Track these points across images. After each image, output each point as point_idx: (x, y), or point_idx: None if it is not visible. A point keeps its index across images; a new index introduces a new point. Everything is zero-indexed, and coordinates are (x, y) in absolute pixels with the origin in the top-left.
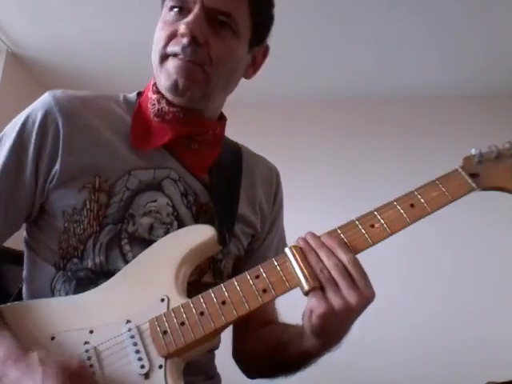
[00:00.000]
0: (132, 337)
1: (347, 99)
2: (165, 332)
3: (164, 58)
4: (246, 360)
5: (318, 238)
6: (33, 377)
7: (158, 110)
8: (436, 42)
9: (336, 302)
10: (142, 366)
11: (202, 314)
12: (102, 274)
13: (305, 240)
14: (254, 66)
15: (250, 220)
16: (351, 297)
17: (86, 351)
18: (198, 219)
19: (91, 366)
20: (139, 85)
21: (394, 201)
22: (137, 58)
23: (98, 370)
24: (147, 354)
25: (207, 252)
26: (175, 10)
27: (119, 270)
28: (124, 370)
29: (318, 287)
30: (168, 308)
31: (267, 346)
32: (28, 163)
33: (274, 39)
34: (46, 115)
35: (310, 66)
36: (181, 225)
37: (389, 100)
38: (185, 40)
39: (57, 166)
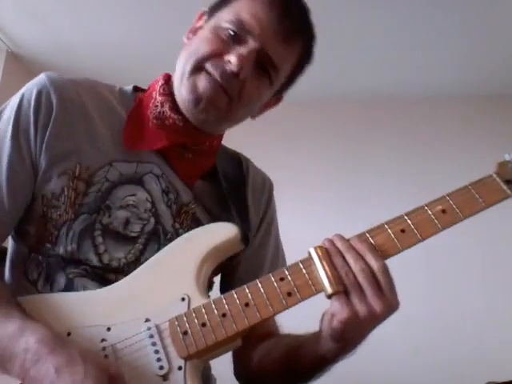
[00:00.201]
0: (151, 336)
1: (346, 99)
2: (185, 333)
3: (198, 69)
4: (251, 377)
5: (347, 240)
6: (73, 370)
7: (160, 112)
8: (435, 42)
9: (360, 308)
10: (161, 367)
11: (224, 315)
12: (72, 262)
13: (331, 241)
14: (262, 109)
15: None
16: (376, 304)
17: (103, 349)
18: (176, 219)
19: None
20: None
21: (425, 205)
22: (137, 59)
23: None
24: (166, 354)
25: (230, 250)
26: (232, 33)
27: (89, 260)
28: (142, 370)
29: (342, 291)
30: (189, 308)
31: (276, 358)
32: (31, 145)
33: None
34: (40, 93)
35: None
36: (158, 222)
37: (388, 100)
38: (228, 68)
39: (43, 146)
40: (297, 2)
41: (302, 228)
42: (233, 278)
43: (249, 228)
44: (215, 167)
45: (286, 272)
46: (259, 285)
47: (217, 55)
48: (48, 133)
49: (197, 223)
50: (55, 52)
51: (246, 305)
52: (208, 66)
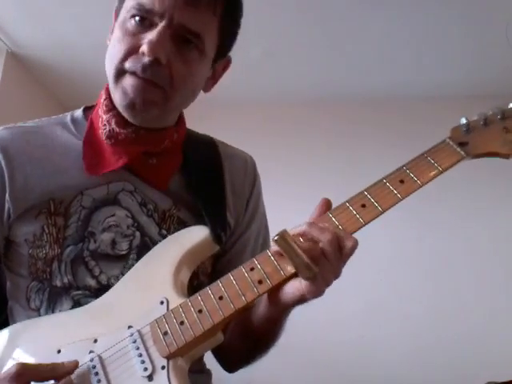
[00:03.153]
0: (134, 341)
1: (346, 99)
2: (165, 333)
3: (121, 73)
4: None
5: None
6: None
7: (110, 131)
8: (435, 42)
9: (330, 279)
10: (145, 369)
11: (200, 311)
12: (73, 289)
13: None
14: (213, 80)
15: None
16: (339, 268)
17: (91, 360)
18: (162, 225)
19: (96, 373)
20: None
21: (384, 178)
22: None
23: (103, 378)
24: (149, 356)
25: (205, 252)
26: (137, 19)
27: (88, 285)
28: (128, 374)
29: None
30: (167, 309)
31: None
32: None
33: (269, 40)
34: None
35: (307, 65)
36: (143, 235)
37: (388, 100)
38: (146, 60)
39: (8, 204)
40: None
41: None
42: (216, 268)
43: (224, 224)
44: (186, 159)
45: (256, 261)
46: (231, 277)
47: (132, 50)
48: (8, 191)
49: (183, 225)
50: (55, 52)
51: (220, 298)
52: (127, 65)
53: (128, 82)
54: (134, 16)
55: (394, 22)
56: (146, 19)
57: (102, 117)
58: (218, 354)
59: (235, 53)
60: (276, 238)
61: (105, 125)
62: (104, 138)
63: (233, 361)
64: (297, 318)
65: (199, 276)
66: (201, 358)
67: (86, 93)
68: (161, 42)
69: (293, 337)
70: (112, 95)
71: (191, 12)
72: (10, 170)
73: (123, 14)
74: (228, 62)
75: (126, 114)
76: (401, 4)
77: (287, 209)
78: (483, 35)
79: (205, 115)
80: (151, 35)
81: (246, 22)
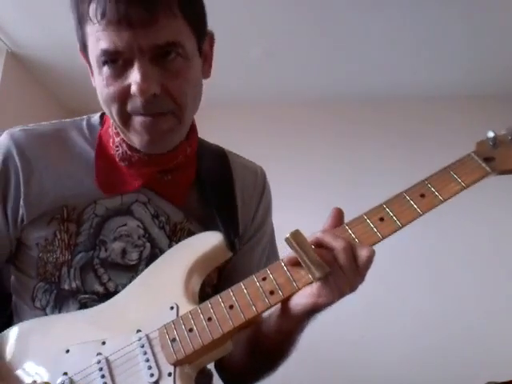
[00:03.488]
0: (142, 346)
1: (347, 99)
2: (173, 339)
3: (127, 118)
4: (229, 365)
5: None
6: None
7: (123, 153)
8: (435, 42)
9: (345, 288)
10: (152, 375)
11: (209, 319)
12: (80, 293)
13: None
14: (207, 63)
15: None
16: (356, 281)
17: (98, 362)
18: (172, 238)
19: (103, 376)
20: None
21: (404, 192)
22: None
23: (109, 381)
24: (156, 361)
25: (218, 259)
26: (110, 64)
27: (96, 291)
28: (134, 379)
29: (329, 273)
30: (177, 315)
31: (240, 346)
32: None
33: (269, 40)
34: (6, 159)
35: (307, 65)
36: (154, 246)
37: (386, 100)
38: (142, 99)
39: (22, 210)
40: None
41: (301, 225)
42: (221, 277)
43: (237, 231)
44: (199, 172)
45: (268, 271)
46: (243, 286)
47: (125, 93)
48: (22, 195)
49: None
50: (55, 52)
51: (231, 307)
52: (129, 108)
53: (138, 123)
54: (105, 63)
55: (394, 22)
56: (117, 60)
57: (114, 138)
58: (222, 370)
59: (235, 53)
60: (287, 237)
61: (117, 146)
62: (118, 160)
63: (237, 377)
64: None
65: (205, 287)
66: None
67: (85, 93)
68: (145, 77)
69: None
70: (126, 138)
71: (154, 29)
72: (25, 173)
73: (93, 60)
74: (211, 38)
75: (146, 151)
76: (401, 4)
77: (287, 209)
78: (483, 35)
79: (205, 115)
80: (134, 75)
81: (246, 21)
